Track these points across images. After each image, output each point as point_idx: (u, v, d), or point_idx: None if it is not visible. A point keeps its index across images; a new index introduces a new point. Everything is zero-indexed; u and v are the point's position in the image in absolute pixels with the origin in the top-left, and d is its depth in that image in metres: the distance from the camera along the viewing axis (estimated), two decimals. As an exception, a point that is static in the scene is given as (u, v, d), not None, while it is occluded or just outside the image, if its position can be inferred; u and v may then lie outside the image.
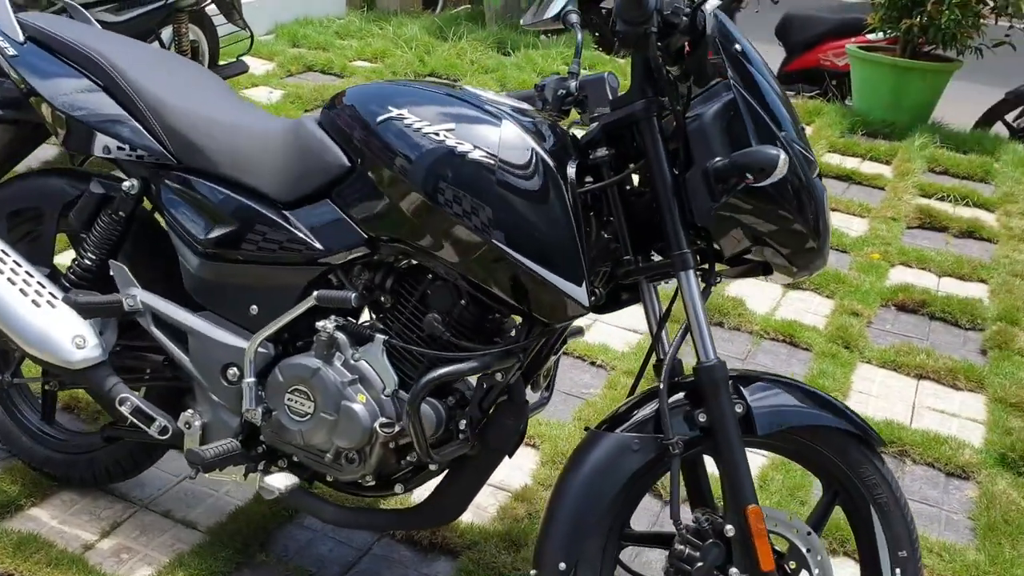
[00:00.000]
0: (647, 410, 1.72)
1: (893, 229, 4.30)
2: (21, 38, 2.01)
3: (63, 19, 2.21)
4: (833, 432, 1.73)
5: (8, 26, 2.01)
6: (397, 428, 1.77)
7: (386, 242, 1.76)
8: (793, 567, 1.72)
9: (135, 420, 1.95)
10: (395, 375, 1.78)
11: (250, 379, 1.84)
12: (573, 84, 1.80)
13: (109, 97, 1.97)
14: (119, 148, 1.95)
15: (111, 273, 1.99)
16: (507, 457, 1.88)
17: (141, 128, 1.94)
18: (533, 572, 1.71)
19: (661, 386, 1.67)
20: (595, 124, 1.72)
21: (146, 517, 2.23)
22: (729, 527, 1.66)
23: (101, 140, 1.94)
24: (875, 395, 3.07)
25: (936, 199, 4.72)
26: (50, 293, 1.97)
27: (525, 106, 1.78)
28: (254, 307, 1.89)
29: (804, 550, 1.72)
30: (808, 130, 5.25)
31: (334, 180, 1.79)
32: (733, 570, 1.66)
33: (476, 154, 1.65)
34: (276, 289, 1.86)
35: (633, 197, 1.74)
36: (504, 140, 1.65)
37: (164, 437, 1.95)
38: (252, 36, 4.90)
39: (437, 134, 1.67)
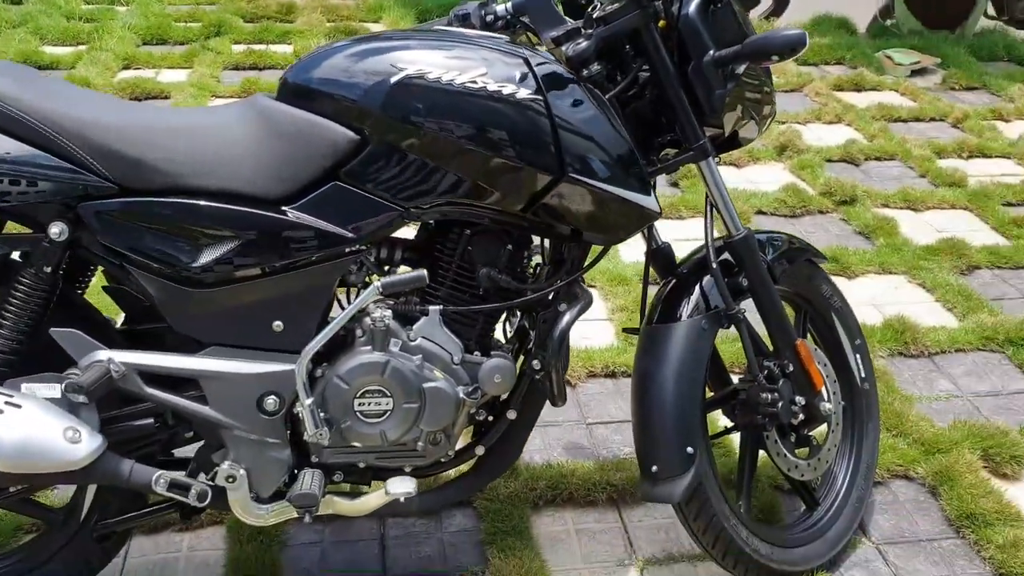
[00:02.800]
0: (692, 292, 1.88)
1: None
2: None
3: None
4: (804, 264, 2.05)
5: None
6: (480, 392, 1.72)
7: (425, 209, 1.66)
8: None
9: (173, 495, 1.63)
10: (458, 341, 1.72)
11: (308, 400, 1.64)
12: (501, 7, 1.83)
13: None
14: (21, 192, 1.53)
15: (60, 343, 1.59)
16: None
17: (54, 158, 1.54)
18: (654, 469, 1.81)
19: (714, 266, 1.84)
20: (581, 41, 1.74)
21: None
22: (788, 364, 1.92)
23: None
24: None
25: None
26: None
27: (504, 36, 1.76)
28: (277, 323, 1.65)
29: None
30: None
31: (341, 159, 1.62)
32: (798, 398, 1.93)
33: (522, 93, 1.61)
34: (300, 295, 1.65)
35: (631, 104, 1.82)
36: (541, 73, 1.63)
37: (204, 503, 1.66)
38: None
39: (474, 82, 1.59)
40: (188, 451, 1.75)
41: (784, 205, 3.79)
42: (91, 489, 1.80)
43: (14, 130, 1.51)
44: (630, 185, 1.69)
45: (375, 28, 5.87)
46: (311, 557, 2.05)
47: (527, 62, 1.63)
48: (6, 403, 1.51)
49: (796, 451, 2.01)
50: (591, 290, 1.88)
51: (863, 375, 2.19)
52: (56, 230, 1.56)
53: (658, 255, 1.99)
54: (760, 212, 3.74)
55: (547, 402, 1.81)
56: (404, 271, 1.66)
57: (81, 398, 1.54)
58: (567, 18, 1.77)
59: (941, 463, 2.34)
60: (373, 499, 1.73)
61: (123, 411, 1.68)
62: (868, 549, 2.15)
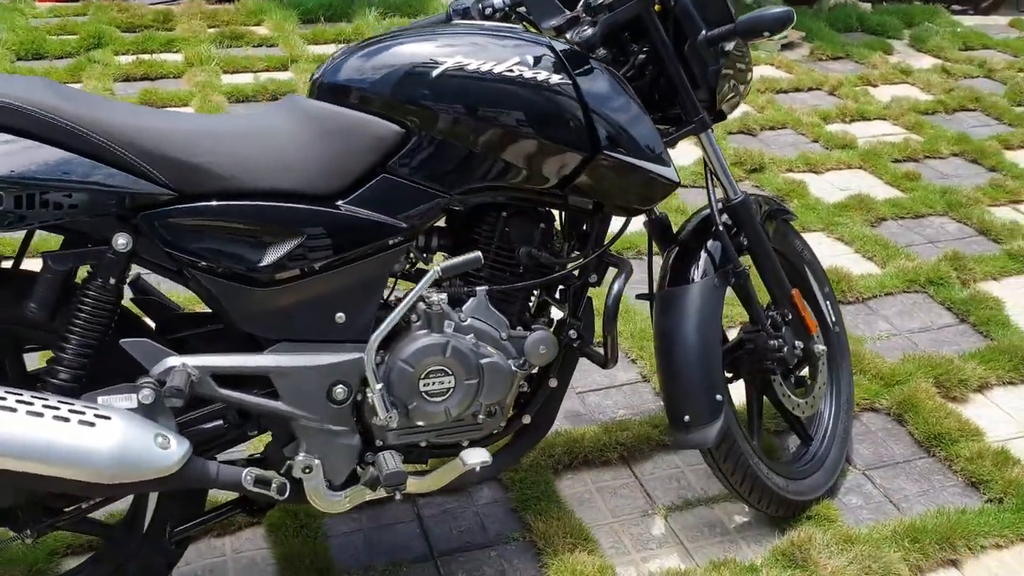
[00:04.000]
0: (699, 254, 2.04)
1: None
2: None
3: None
4: (780, 222, 2.25)
5: None
6: (528, 364, 1.82)
7: (468, 194, 1.74)
8: None
9: (260, 490, 1.66)
10: (504, 318, 1.82)
11: (378, 386, 1.70)
12: (499, 0, 1.95)
13: (44, 144, 1.51)
14: (80, 205, 1.52)
15: (131, 353, 1.60)
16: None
17: (113, 169, 1.54)
18: (687, 418, 1.96)
19: (720, 228, 2.00)
20: (586, 28, 1.87)
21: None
22: (787, 312, 2.11)
23: (51, 200, 1.50)
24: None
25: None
26: (80, 409, 1.52)
27: (518, 27, 1.87)
28: (340, 315, 1.70)
29: None
30: None
31: (388, 152, 1.69)
32: (797, 343, 2.12)
33: (554, 79, 1.71)
34: (360, 286, 1.71)
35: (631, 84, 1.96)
36: (568, 58, 1.74)
37: (284, 496, 1.70)
38: None
39: (511, 71, 1.69)
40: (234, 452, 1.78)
41: (701, 177, 4.00)
42: (152, 498, 1.81)
43: (70, 143, 1.49)
44: (655, 158, 1.83)
45: (259, 32, 5.81)
46: (356, 544, 2.10)
47: (552, 49, 1.74)
48: (96, 416, 1.51)
49: (796, 392, 2.21)
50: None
51: (834, 319, 2.41)
52: (123, 241, 1.56)
53: (656, 225, 2.14)
54: (681, 186, 3.95)
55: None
56: (438, 257, 1.76)
57: (178, 402, 1.56)
58: (562, 7, 1.90)
59: (902, 393, 2.59)
60: (446, 473, 1.81)
61: (191, 415, 1.69)
62: (856, 475, 2.38)
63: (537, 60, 1.71)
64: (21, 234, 1.62)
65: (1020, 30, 6.63)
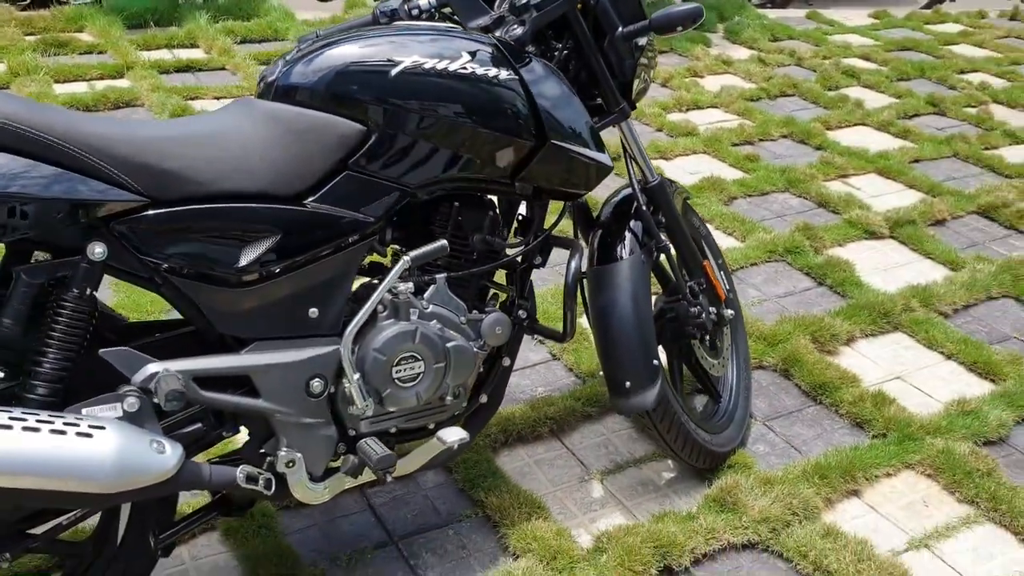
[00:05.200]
0: (623, 234, 2.20)
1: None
2: None
3: None
4: (682, 201, 2.46)
5: None
6: (486, 345, 1.93)
7: (427, 186, 1.82)
8: None
9: (251, 487, 1.68)
10: (461, 303, 1.91)
11: (356, 376, 1.76)
12: (425, 1, 2.06)
13: (17, 156, 1.47)
14: (47, 216, 1.49)
15: (111, 362, 1.58)
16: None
17: (87, 178, 1.52)
18: (628, 384, 2.11)
19: (644, 208, 2.17)
20: (516, 27, 1.98)
21: None
22: (702, 281, 2.30)
23: (29, 212, 1.46)
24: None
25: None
26: (73, 421, 1.49)
27: (457, 26, 1.96)
28: (313, 310, 1.74)
29: None
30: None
31: (351, 150, 1.75)
32: (711, 309, 2.33)
33: (503, 75, 1.81)
34: (330, 281, 1.76)
35: None
36: (512, 55, 1.85)
37: (271, 491, 1.73)
38: None
39: (464, 68, 1.78)
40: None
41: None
42: (125, 510, 1.78)
43: (44, 155, 1.47)
44: (593, 145, 1.97)
45: (84, 39, 5.55)
46: (315, 538, 2.12)
47: (496, 46, 1.84)
48: (90, 427, 1.49)
49: (710, 354, 2.42)
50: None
51: (727, 287, 2.64)
52: (99, 250, 1.53)
53: (580, 209, 2.29)
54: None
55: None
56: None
57: (178, 405, 1.55)
58: (487, 7, 2.01)
59: (785, 351, 2.87)
60: (424, 453, 1.88)
61: (171, 420, 1.68)
62: (758, 426, 2.62)
63: (486, 57, 1.81)
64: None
65: (817, 22, 7.27)
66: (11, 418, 1.43)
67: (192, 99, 4.75)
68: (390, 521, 2.20)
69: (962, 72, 6.15)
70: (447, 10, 2.10)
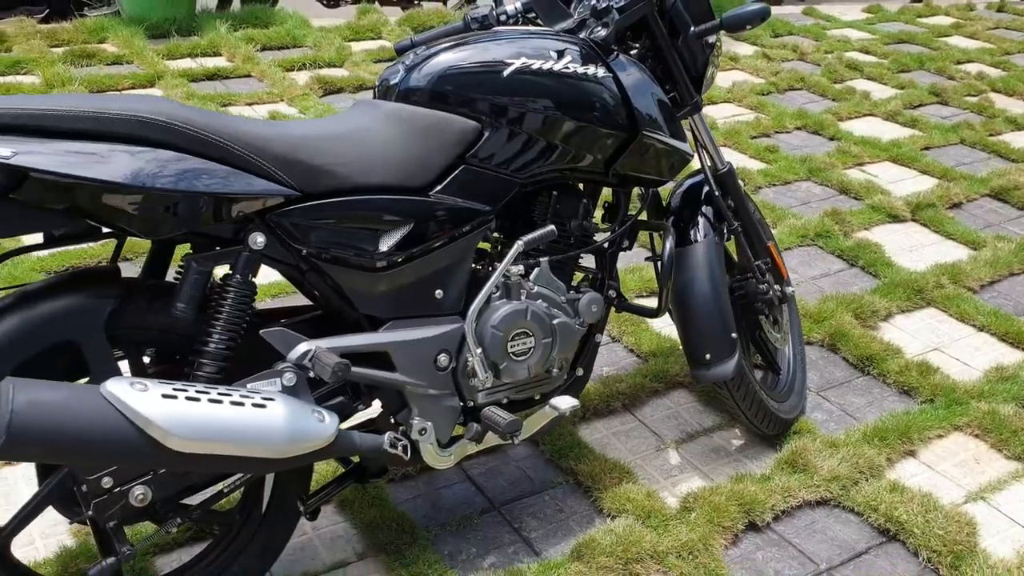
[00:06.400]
0: (696, 218, 2.37)
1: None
2: None
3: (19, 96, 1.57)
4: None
5: None
6: (584, 323, 2.10)
7: (534, 177, 1.99)
8: None
9: (399, 452, 1.84)
10: (561, 284, 2.09)
11: (478, 350, 1.92)
12: (511, 7, 2.24)
13: (179, 153, 1.63)
14: (219, 209, 1.66)
15: (269, 341, 1.74)
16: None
17: (250, 175, 1.68)
18: (708, 356, 2.29)
19: (717, 194, 2.35)
20: (600, 29, 2.15)
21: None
22: (767, 260, 2.49)
23: (208, 207, 1.63)
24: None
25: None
26: (248, 394, 1.65)
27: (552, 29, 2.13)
28: (438, 291, 1.91)
29: None
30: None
31: (468, 145, 1.91)
32: (776, 286, 2.51)
33: (600, 72, 1.99)
34: (452, 265, 1.92)
35: None
36: (604, 53, 2.03)
37: (408, 456, 1.89)
38: None
39: (567, 68, 1.95)
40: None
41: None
42: (269, 480, 1.93)
43: (213, 154, 1.63)
44: (678, 135, 2.14)
45: (107, 49, 5.67)
46: (423, 507, 2.28)
47: (590, 46, 2.02)
48: (264, 399, 1.65)
49: (774, 328, 2.60)
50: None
51: (780, 267, 2.82)
52: (260, 240, 1.70)
53: (653, 197, 2.46)
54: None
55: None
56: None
57: (343, 378, 1.71)
58: (568, 11, 2.18)
59: (831, 327, 3.05)
60: (535, 421, 2.04)
61: (319, 393, 1.84)
62: (813, 396, 2.80)
63: (583, 57, 1.98)
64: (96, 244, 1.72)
65: (814, 17, 7.49)
66: (219, 393, 1.59)
67: (226, 105, 4.89)
68: (489, 490, 2.36)
69: (959, 63, 6.38)
70: (531, 15, 2.28)
